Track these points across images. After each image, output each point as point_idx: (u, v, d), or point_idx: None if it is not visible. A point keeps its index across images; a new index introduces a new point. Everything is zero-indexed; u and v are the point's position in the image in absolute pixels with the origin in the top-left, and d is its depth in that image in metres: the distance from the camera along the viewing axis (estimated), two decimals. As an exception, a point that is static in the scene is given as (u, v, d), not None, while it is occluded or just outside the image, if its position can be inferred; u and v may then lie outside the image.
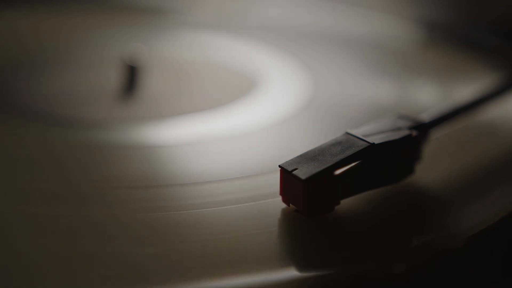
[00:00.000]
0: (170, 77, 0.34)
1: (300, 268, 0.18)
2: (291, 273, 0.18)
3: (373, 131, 0.22)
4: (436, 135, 0.24)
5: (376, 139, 0.21)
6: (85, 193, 0.22)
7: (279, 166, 0.20)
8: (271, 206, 0.21)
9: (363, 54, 0.38)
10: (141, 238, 0.20)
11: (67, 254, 0.19)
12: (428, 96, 0.32)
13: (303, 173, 0.20)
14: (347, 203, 0.21)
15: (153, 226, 0.20)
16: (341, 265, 0.19)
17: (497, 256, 0.22)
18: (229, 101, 0.30)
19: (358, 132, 0.21)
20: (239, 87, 0.32)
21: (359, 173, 0.21)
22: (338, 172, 0.20)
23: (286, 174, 0.20)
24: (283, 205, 0.21)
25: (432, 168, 0.23)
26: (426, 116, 0.23)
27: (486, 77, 0.32)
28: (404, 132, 0.22)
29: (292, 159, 0.20)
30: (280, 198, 0.21)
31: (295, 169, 0.20)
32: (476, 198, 0.22)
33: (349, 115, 0.29)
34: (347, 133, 0.21)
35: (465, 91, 0.30)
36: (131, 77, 0.32)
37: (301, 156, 0.21)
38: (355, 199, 0.21)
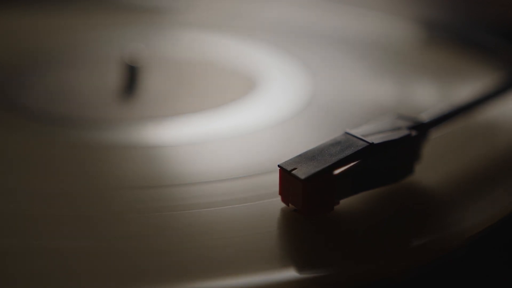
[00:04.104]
0: (170, 77, 0.34)
1: (299, 268, 0.18)
2: (290, 273, 0.18)
3: (372, 131, 0.22)
4: (436, 135, 0.24)
5: (376, 139, 0.21)
6: (85, 193, 0.22)
7: (279, 165, 0.20)
8: (270, 206, 0.21)
9: (363, 54, 0.38)
10: (141, 238, 0.20)
11: (67, 254, 0.19)
12: (428, 96, 0.32)
13: (302, 172, 0.20)
14: (346, 203, 0.21)
15: (153, 226, 0.20)
16: (341, 265, 0.19)
17: (497, 256, 0.22)
18: (229, 101, 0.30)
19: (357, 132, 0.21)
20: (239, 87, 0.32)
21: (359, 173, 0.21)
22: (337, 171, 0.20)
23: (286, 173, 0.20)
24: (283, 205, 0.21)
25: (431, 168, 0.23)
26: (425, 116, 0.23)
27: (486, 77, 0.32)
28: (404, 132, 0.22)
29: (291, 159, 0.21)
30: (279, 198, 0.21)
31: (294, 168, 0.20)
32: (475, 198, 0.22)
33: (349, 115, 0.29)
34: (347, 133, 0.21)
35: (465, 91, 0.30)
36: (131, 77, 0.32)
37: (300, 156, 0.21)
38: (354, 198, 0.21)
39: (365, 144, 0.21)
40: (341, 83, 0.33)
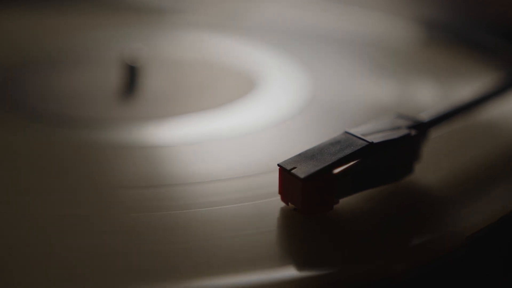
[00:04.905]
0: (170, 77, 0.34)
1: (299, 267, 0.18)
2: (290, 272, 0.18)
3: (372, 130, 0.22)
4: (436, 135, 0.24)
5: (375, 138, 0.21)
6: (85, 193, 0.22)
7: (278, 165, 0.20)
8: (270, 205, 0.21)
9: (363, 54, 0.38)
10: (141, 238, 0.20)
11: (67, 254, 0.19)
12: (428, 96, 0.32)
13: (302, 172, 0.20)
14: (346, 202, 0.21)
15: (153, 226, 0.20)
16: (341, 265, 0.19)
17: (497, 256, 0.22)
18: (229, 101, 0.30)
19: (357, 131, 0.21)
20: (239, 87, 0.32)
21: (358, 172, 0.21)
22: (337, 171, 0.20)
23: (285, 173, 0.20)
24: (282, 204, 0.21)
25: (431, 167, 0.23)
26: (425, 116, 0.23)
27: (486, 77, 0.32)
28: (403, 131, 0.22)
29: (291, 158, 0.21)
30: (279, 197, 0.21)
31: (294, 168, 0.20)
32: (475, 197, 0.22)
33: (349, 115, 0.29)
34: (346, 132, 0.21)
35: (465, 91, 0.30)
36: (131, 77, 0.32)
37: (300, 155, 0.21)
38: (354, 198, 0.21)
39: (365, 143, 0.21)
40: (341, 82, 0.33)
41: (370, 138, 0.21)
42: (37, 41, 0.39)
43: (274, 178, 0.21)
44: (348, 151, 0.20)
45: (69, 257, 0.19)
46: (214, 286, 0.18)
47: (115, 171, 0.24)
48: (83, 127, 0.28)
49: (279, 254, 0.19)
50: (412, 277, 0.19)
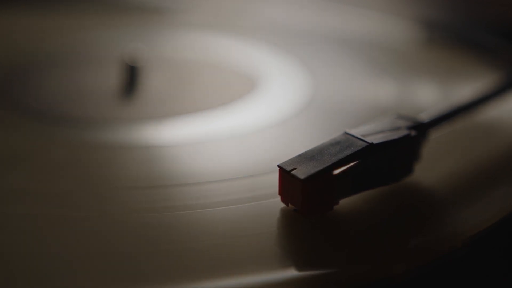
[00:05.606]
0: (170, 77, 0.34)
1: (299, 268, 0.18)
2: (290, 273, 0.18)
3: (372, 131, 0.22)
4: (435, 135, 0.24)
5: (375, 139, 0.21)
6: (84, 193, 0.22)
7: (278, 165, 0.20)
8: (270, 206, 0.21)
9: (363, 54, 0.38)
10: (141, 238, 0.20)
11: (67, 254, 0.19)
12: (428, 96, 0.32)
13: (302, 172, 0.20)
14: (346, 203, 0.21)
15: (153, 226, 0.20)
16: (341, 265, 0.19)
17: (497, 256, 0.22)
18: (229, 101, 0.30)
19: (357, 132, 0.21)
20: (239, 87, 0.32)
21: (358, 172, 0.21)
22: (337, 171, 0.20)
23: (285, 173, 0.20)
24: (282, 205, 0.21)
25: (431, 168, 0.23)
26: (425, 116, 0.23)
27: (486, 77, 0.32)
28: (403, 132, 0.22)
29: (291, 159, 0.21)
30: (279, 198, 0.21)
31: (294, 168, 0.20)
32: (475, 198, 0.22)
33: (349, 115, 0.29)
34: (346, 133, 0.21)
35: (465, 91, 0.30)
36: (131, 77, 0.32)
37: (300, 155, 0.21)
38: (354, 198, 0.21)
39: (365, 144, 0.21)
40: (341, 83, 0.33)
41: (370, 139, 0.21)
42: (37, 41, 0.39)
43: (274, 178, 0.21)
44: (348, 152, 0.20)
45: (69, 258, 0.19)
46: (214, 286, 0.18)
47: (115, 171, 0.24)
48: (83, 127, 0.28)
49: (279, 254, 0.19)
50: (412, 277, 0.19)
